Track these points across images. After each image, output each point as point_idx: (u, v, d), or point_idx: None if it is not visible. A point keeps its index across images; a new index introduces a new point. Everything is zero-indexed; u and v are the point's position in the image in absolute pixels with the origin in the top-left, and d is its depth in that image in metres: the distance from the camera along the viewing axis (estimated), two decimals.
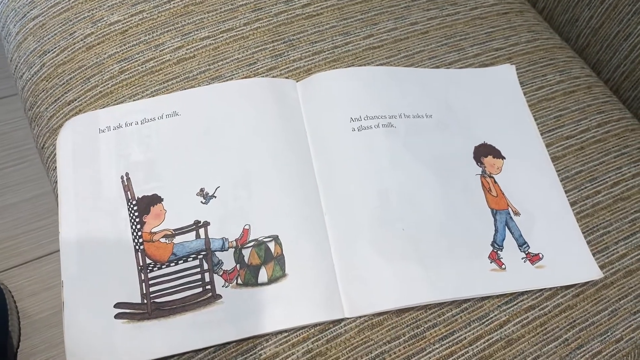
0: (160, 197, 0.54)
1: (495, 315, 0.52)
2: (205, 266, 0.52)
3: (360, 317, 0.51)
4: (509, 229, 0.55)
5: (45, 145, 0.61)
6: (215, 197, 0.54)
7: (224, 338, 0.49)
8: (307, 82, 0.61)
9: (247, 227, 0.53)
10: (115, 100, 0.60)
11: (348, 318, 0.51)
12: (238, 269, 0.52)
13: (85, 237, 0.53)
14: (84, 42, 0.64)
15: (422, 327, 0.51)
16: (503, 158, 0.59)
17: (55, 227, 0.55)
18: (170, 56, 0.62)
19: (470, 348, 0.51)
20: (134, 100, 0.60)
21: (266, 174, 0.55)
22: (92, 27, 0.65)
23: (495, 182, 0.58)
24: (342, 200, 0.55)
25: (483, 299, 0.53)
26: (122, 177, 0.55)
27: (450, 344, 0.51)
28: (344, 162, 0.56)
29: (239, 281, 0.51)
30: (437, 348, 0.51)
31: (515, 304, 0.53)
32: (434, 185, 0.56)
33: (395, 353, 0.50)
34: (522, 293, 0.53)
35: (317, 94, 0.60)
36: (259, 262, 0.52)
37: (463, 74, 0.64)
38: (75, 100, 0.61)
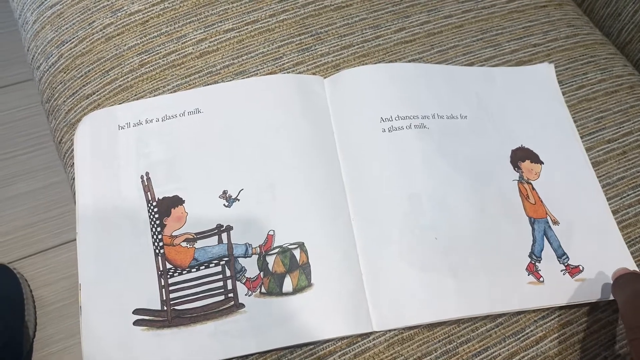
0: (181, 198, 0.52)
1: (532, 331, 0.50)
2: (228, 273, 0.50)
3: (389, 330, 0.49)
4: (547, 238, 0.52)
5: (62, 140, 0.59)
6: (238, 200, 0.52)
7: (246, 350, 0.47)
8: (335, 78, 0.58)
9: (271, 232, 0.51)
10: (135, 95, 0.58)
11: (376, 332, 0.48)
12: (262, 277, 0.50)
13: (104, 239, 0.51)
14: (103, 32, 0.61)
15: (455, 343, 0.49)
16: (541, 163, 0.56)
17: (71, 215, 0.53)
18: (193, 49, 0.60)
19: None
20: (154, 95, 0.57)
21: (291, 176, 0.53)
22: (111, 16, 0.62)
23: (533, 188, 0.54)
24: (371, 206, 0.52)
25: (518, 313, 0.50)
26: (142, 177, 0.53)
27: None
28: (374, 164, 0.54)
29: (263, 290, 0.49)
30: None
31: (553, 319, 0.50)
32: (468, 191, 0.53)
33: None
34: (560, 307, 0.51)
35: (346, 92, 0.57)
36: (284, 270, 0.50)
37: (499, 72, 0.61)
38: (94, 93, 0.59)
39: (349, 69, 0.58)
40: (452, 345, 0.49)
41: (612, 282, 0.49)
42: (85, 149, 0.56)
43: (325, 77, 0.58)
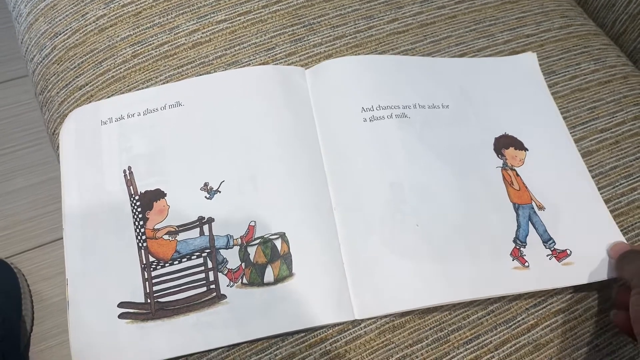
0: (163, 192, 0.52)
1: (523, 319, 0.50)
2: (210, 264, 0.50)
3: (380, 317, 0.48)
4: (532, 224, 0.52)
5: (55, 132, 0.59)
6: (219, 192, 0.52)
7: (228, 340, 0.47)
8: (316, 69, 0.58)
9: (252, 223, 0.51)
10: (127, 86, 0.58)
11: (366, 319, 0.48)
12: (243, 267, 0.50)
13: (89, 234, 0.52)
14: (96, 24, 0.62)
15: (446, 330, 0.49)
16: (525, 150, 0.56)
17: None
18: (186, 40, 0.60)
19: (496, 352, 0.48)
20: (147, 86, 0.57)
21: (273, 167, 0.53)
22: (104, 8, 0.62)
23: (517, 174, 0.54)
24: (352, 195, 0.52)
25: (510, 301, 0.50)
26: (124, 171, 0.53)
27: (475, 348, 0.48)
28: (355, 154, 0.53)
29: (244, 280, 0.49)
30: (461, 352, 0.48)
31: (544, 307, 0.50)
32: (450, 179, 0.53)
33: (417, 357, 0.48)
34: (551, 295, 0.51)
35: (327, 82, 0.57)
36: (265, 260, 0.49)
37: (481, 63, 0.61)
38: (87, 85, 0.59)
39: (330, 59, 0.58)
40: (443, 333, 0.49)
41: (609, 257, 0.50)
42: (70, 146, 0.56)
43: (306, 68, 0.58)
